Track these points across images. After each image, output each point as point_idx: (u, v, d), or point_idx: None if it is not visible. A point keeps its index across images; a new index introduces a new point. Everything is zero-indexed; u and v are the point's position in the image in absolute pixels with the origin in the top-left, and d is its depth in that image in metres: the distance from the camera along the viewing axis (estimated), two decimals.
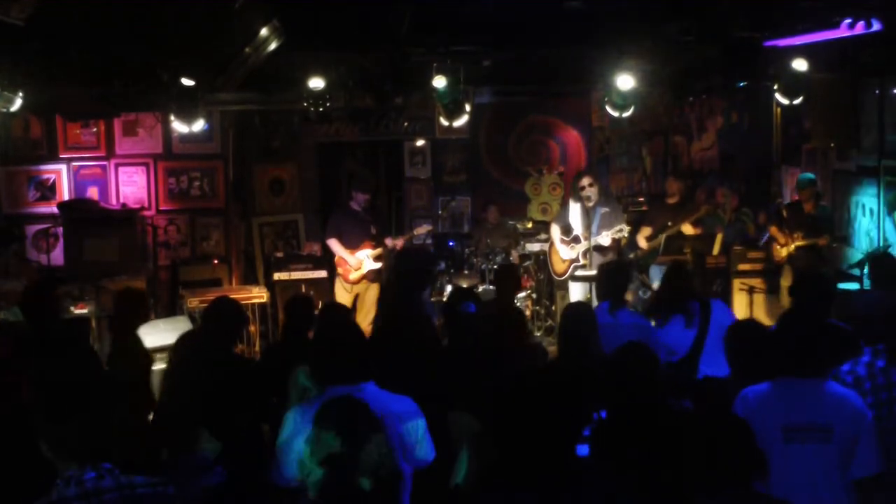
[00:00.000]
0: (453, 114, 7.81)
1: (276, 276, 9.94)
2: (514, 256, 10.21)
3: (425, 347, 5.02)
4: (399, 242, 9.45)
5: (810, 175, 8.46)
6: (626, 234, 8.77)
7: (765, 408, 3.72)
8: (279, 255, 10.49)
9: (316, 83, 7.53)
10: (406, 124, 11.42)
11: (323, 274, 9.94)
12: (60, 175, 10.05)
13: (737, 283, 8.92)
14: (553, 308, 10.46)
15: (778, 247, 8.45)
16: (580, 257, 8.74)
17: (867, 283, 6.93)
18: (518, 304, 9.69)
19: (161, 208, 10.34)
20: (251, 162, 11.13)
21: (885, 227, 7.68)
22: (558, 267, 9.12)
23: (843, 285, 7.45)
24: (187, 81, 7.04)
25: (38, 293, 5.97)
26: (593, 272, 7.91)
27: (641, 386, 3.80)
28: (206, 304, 7.39)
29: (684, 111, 11.07)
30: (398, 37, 6.68)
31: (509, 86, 9.61)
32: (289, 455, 3.55)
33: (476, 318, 5.12)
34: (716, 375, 5.05)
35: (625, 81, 7.41)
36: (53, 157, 10.03)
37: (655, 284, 9.48)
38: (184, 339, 5.25)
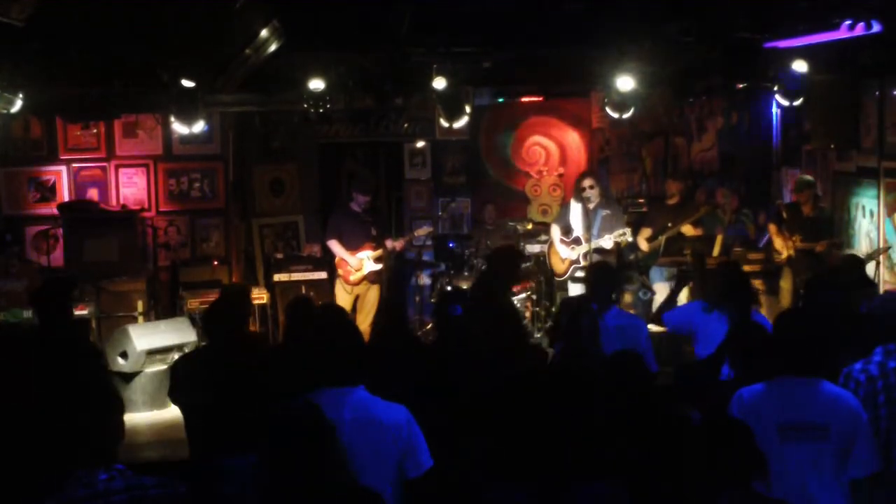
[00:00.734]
0: (453, 115, 7.82)
1: (277, 277, 9.94)
2: None
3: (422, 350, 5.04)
4: (399, 244, 9.46)
5: (808, 177, 8.47)
6: (628, 238, 8.77)
7: (760, 407, 3.73)
8: (279, 256, 10.49)
9: (316, 84, 7.53)
10: (406, 125, 11.41)
11: (323, 275, 9.94)
12: (60, 176, 10.05)
13: None
14: (553, 309, 10.45)
15: (777, 247, 8.45)
16: (581, 259, 8.74)
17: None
18: (517, 304, 9.70)
19: (161, 209, 10.34)
20: (251, 163, 11.13)
21: (885, 228, 7.68)
22: (558, 267, 9.12)
23: None
24: (187, 82, 7.04)
25: (52, 292, 5.95)
26: None
27: (634, 396, 3.82)
28: (206, 306, 7.40)
29: (684, 112, 11.06)
30: (398, 37, 6.68)
31: (509, 86, 9.62)
32: None
33: (463, 320, 5.09)
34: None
35: (625, 82, 7.40)
36: (53, 159, 10.03)
37: (656, 286, 9.49)
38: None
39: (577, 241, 8.83)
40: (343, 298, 9.02)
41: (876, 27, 5.79)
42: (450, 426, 4.11)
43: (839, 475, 3.70)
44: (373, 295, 9.19)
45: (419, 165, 12.19)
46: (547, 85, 9.56)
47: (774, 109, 9.28)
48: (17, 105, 7.33)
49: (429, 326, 10.16)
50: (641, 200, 11.10)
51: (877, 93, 7.69)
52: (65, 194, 10.01)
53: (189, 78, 6.98)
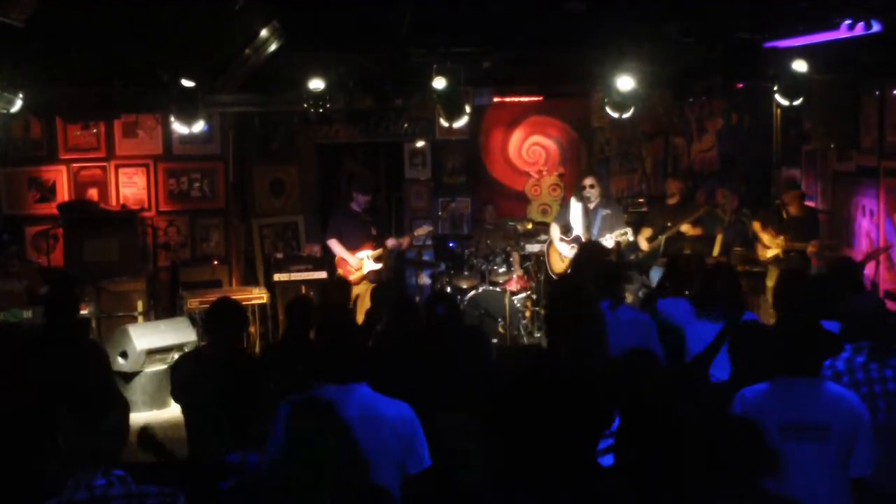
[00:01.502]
0: (453, 115, 7.82)
1: (277, 277, 9.94)
2: (515, 257, 10.21)
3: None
4: (405, 241, 9.45)
5: (794, 178, 8.54)
6: (629, 238, 8.77)
7: (762, 407, 3.73)
8: (279, 256, 10.48)
9: (316, 84, 7.53)
10: (406, 125, 11.41)
11: (323, 275, 9.93)
12: (60, 176, 10.04)
13: None
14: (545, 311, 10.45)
15: (762, 246, 8.45)
16: None
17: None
18: (518, 304, 9.71)
19: (161, 209, 10.34)
20: (251, 163, 11.13)
21: (884, 228, 7.68)
22: (557, 267, 9.11)
23: None
24: (187, 82, 7.04)
25: (64, 292, 5.92)
26: None
27: (644, 391, 3.81)
28: (206, 306, 7.40)
29: (684, 112, 11.07)
30: (398, 37, 6.68)
31: (509, 86, 9.62)
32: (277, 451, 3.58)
33: (445, 320, 5.16)
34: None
35: (625, 82, 7.40)
36: (53, 159, 10.03)
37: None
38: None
39: (577, 241, 8.82)
40: None
41: (876, 27, 5.79)
42: (450, 425, 4.12)
43: (841, 475, 3.70)
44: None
45: (419, 165, 12.19)
46: (547, 85, 9.56)
47: (774, 109, 9.28)
48: (17, 105, 7.33)
49: None
50: (641, 200, 11.11)
51: (877, 93, 7.69)
52: (65, 194, 10.01)
53: (189, 78, 6.98)
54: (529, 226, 10.89)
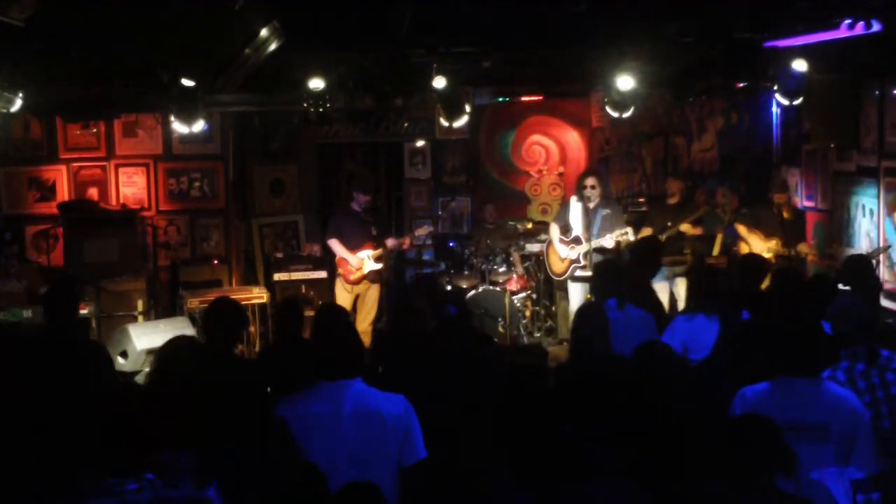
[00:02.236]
0: (453, 115, 7.82)
1: (277, 276, 9.95)
2: (515, 257, 10.21)
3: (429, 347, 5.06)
4: (406, 241, 9.46)
5: (785, 180, 8.59)
6: (630, 238, 8.77)
7: (762, 407, 3.73)
8: (279, 255, 10.49)
9: (316, 84, 7.53)
10: (406, 125, 11.42)
11: (323, 274, 9.94)
12: (60, 176, 10.05)
13: None
14: (553, 308, 10.46)
15: (756, 250, 8.45)
16: (581, 258, 8.73)
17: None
18: (517, 303, 9.72)
19: (161, 209, 10.34)
20: (251, 163, 11.13)
21: (885, 227, 7.68)
22: (556, 267, 9.10)
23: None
24: (187, 82, 7.04)
25: (63, 291, 5.92)
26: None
27: (661, 384, 3.82)
28: (206, 305, 7.40)
29: (684, 112, 11.06)
30: (398, 37, 6.68)
31: (509, 86, 9.61)
32: None
33: (457, 319, 5.17)
34: None
35: (625, 82, 7.40)
36: (53, 158, 10.04)
37: (656, 285, 9.47)
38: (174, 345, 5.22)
39: (576, 241, 8.81)
40: (343, 298, 9.02)
41: (876, 27, 5.79)
42: (449, 425, 4.12)
43: (840, 474, 3.69)
44: (373, 294, 9.19)
45: (419, 165, 12.19)
46: (547, 85, 9.55)
47: (774, 109, 9.28)
48: (17, 105, 7.33)
49: None
50: (641, 200, 11.10)
51: (877, 93, 7.69)
52: (65, 194, 10.01)
53: (189, 78, 6.98)
54: (529, 225, 10.90)
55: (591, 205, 8.70)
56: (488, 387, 4.33)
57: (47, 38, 6.09)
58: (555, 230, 9.07)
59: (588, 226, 8.68)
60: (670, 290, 9.39)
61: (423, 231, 9.94)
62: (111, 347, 7.72)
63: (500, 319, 9.51)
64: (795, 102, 7.38)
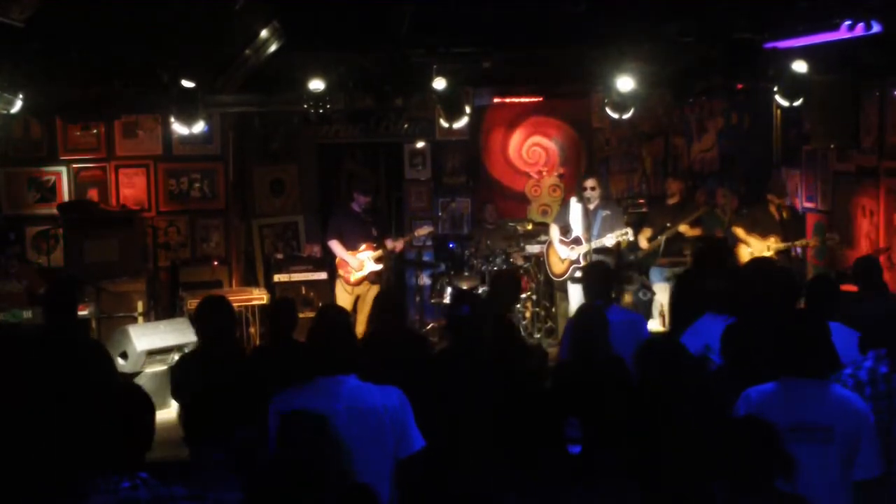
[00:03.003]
0: (453, 115, 7.81)
1: (277, 277, 9.94)
2: (515, 258, 10.20)
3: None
4: (399, 244, 9.46)
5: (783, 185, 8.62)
6: (630, 238, 8.77)
7: (767, 407, 3.72)
8: (279, 256, 10.49)
9: (316, 84, 7.53)
10: (406, 126, 11.42)
11: (323, 275, 9.94)
12: (60, 176, 10.05)
13: None
14: (553, 310, 10.45)
15: (756, 252, 8.44)
16: (581, 259, 8.74)
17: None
18: (517, 304, 9.71)
19: (161, 210, 10.34)
20: (251, 163, 11.13)
21: (884, 228, 7.68)
22: (556, 268, 9.11)
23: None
24: (187, 82, 7.04)
25: (63, 292, 5.92)
26: None
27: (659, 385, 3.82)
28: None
29: (684, 112, 11.06)
30: (398, 37, 6.68)
31: (509, 86, 9.61)
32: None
33: (471, 319, 5.13)
34: None
35: (625, 82, 7.40)
36: (53, 159, 10.04)
37: (656, 286, 9.50)
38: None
39: (576, 242, 8.82)
40: (343, 299, 9.02)
41: (876, 27, 5.78)
42: (450, 424, 4.12)
43: (844, 477, 3.69)
44: (373, 295, 9.18)
45: (419, 165, 12.18)
46: (547, 85, 9.55)
47: (774, 109, 9.28)
48: (17, 105, 7.34)
49: (429, 327, 10.17)
50: (641, 200, 11.10)
51: (877, 93, 7.69)
52: (65, 195, 10.01)
53: (189, 78, 6.99)
54: (529, 226, 10.89)
55: (592, 206, 8.70)
56: (488, 387, 4.33)
57: (47, 38, 6.09)
58: (555, 231, 9.07)
59: (588, 227, 8.69)
60: (670, 290, 9.39)
61: (423, 231, 9.94)
62: (111, 348, 7.71)
63: None
64: (795, 103, 7.38)
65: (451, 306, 5.40)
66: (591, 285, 6.10)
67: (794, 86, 7.24)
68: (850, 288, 6.15)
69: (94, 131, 10.04)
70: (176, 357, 7.29)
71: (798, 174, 9.17)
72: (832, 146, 8.43)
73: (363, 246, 9.02)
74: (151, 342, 7.79)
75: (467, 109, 7.95)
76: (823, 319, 4.07)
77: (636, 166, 12.12)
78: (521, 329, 9.73)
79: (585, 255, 8.68)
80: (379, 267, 9.10)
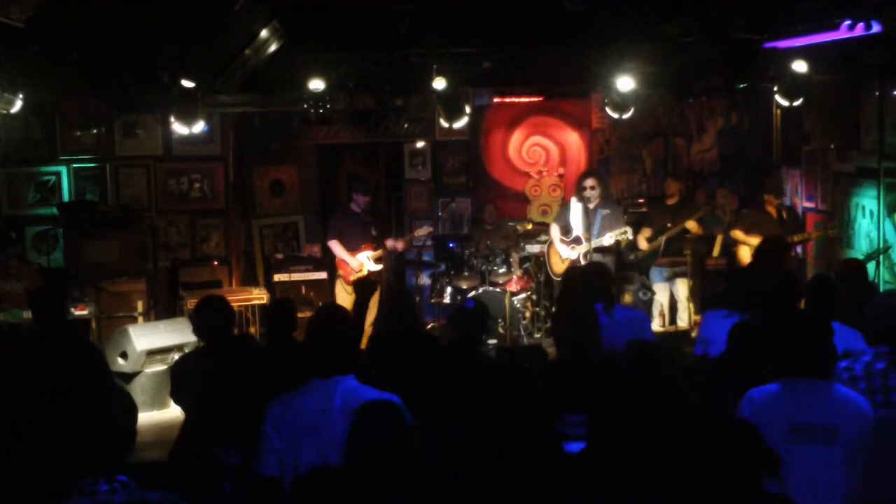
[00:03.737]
0: (453, 115, 7.82)
1: (277, 277, 9.95)
2: (515, 258, 10.20)
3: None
4: (400, 244, 9.46)
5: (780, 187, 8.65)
6: (629, 236, 8.77)
7: (771, 408, 3.72)
8: (279, 256, 10.49)
9: (316, 85, 7.53)
10: (406, 126, 11.42)
11: (323, 275, 9.94)
12: (60, 176, 10.04)
13: None
14: (553, 309, 10.45)
15: (745, 246, 8.44)
16: (581, 258, 8.74)
17: None
18: (518, 304, 9.71)
19: (161, 209, 10.33)
20: (251, 163, 11.13)
21: (884, 228, 7.68)
22: (557, 267, 9.11)
23: None
24: (187, 82, 7.04)
25: (48, 296, 5.93)
26: None
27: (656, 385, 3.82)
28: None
29: (684, 112, 11.07)
30: (398, 37, 6.68)
31: (509, 86, 9.61)
32: (268, 450, 3.60)
33: (472, 314, 5.18)
34: None
35: (625, 82, 7.41)
36: (53, 159, 10.03)
37: (656, 286, 9.50)
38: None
39: (577, 241, 8.82)
40: (343, 299, 9.01)
41: (876, 27, 5.78)
42: (451, 424, 4.13)
43: (847, 477, 3.69)
44: (374, 296, 9.18)
45: (419, 165, 12.19)
46: (547, 85, 9.56)
47: (774, 109, 9.29)
48: (17, 105, 7.33)
49: (429, 327, 10.16)
50: (641, 200, 11.11)
51: (877, 93, 7.69)
52: (65, 194, 10.01)
53: (189, 78, 6.98)
54: (529, 226, 10.89)
55: (591, 205, 8.70)
56: (485, 386, 4.34)
57: (47, 38, 6.09)
58: (555, 231, 9.08)
59: (588, 226, 8.69)
60: (670, 290, 9.39)
61: (422, 231, 9.94)
62: (111, 348, 7.73)
63: (500, 320, 9.51)
64: (795, 103, 7.38)
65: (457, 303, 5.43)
66: (592, 287, 6.10)
67: (794, 86, 7.24)
68: None
69: (94, 131, 10.03)
70: (176, 357, 7.29)
71: (798, 174, 9.18)
72: (832, 146, 8.44)
73: (363, 246, 9.02)
74: (151, 342, 7.79)
75: (467, 109, 7.96)
76: (826, 319, 4.06)
77: (636, 166, 12.13)
78: (522, 329, 9.74)
79: (586, 254, 8.68)
80: (378, 267, 9.10)
